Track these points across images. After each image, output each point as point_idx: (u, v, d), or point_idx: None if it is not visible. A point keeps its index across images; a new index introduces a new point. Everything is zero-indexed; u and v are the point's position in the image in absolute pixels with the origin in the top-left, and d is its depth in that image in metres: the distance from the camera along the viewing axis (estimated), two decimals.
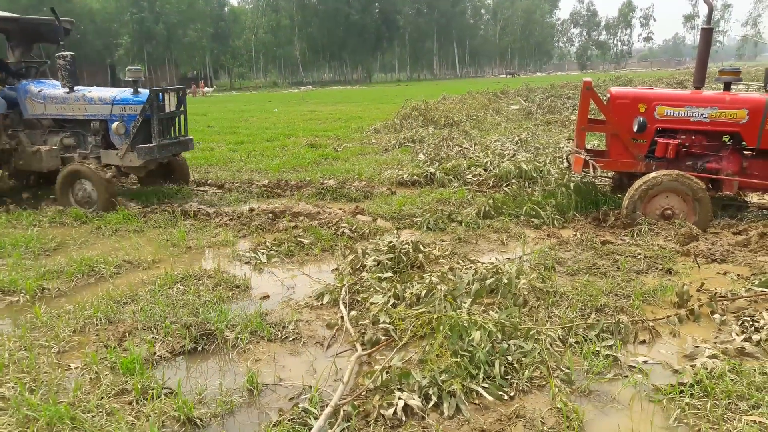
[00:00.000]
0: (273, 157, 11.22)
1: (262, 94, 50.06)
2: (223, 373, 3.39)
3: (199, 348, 3.64)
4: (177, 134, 7.74)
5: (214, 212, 6.98)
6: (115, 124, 7.26)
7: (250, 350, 3.63)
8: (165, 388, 3.13)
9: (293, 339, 3.75)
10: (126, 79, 7.65)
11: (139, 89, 7.47)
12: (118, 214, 6.76)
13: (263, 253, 5.38)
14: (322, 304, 4.26)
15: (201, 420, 2.90)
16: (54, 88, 7.79)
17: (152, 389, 3.08)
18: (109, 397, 3.06)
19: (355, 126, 16.61)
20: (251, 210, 6.91)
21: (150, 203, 7.44)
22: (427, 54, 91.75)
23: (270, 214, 6.65)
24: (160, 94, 7.27)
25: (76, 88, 7.57)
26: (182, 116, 7.74)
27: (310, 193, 8.01)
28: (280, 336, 3.78)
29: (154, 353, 3.52)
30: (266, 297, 4.46)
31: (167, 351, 3.56)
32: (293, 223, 6.27)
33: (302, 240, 5.65)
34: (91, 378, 3.27)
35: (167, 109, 7.37)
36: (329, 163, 10.52)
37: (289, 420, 2.80)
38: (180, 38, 69.19)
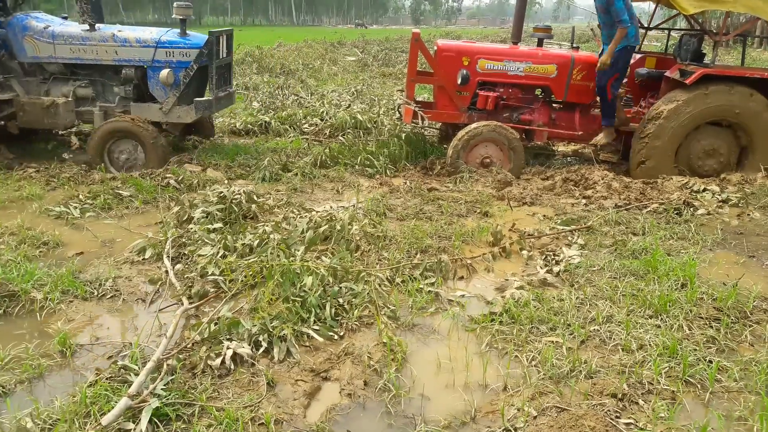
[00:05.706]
0: None
1: None
2: (30, 337, 3.08)
3: (1, 311, 3.26)
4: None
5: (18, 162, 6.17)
6: (164, 72, 5.93)
7: (61, 310, 3.34)
8: None
9: (111, 296, 3.51)
10: (174, 16, 6.13)
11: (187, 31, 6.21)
12: None
13: (76, 207, 4.89)
14: (144, 259, 4.00)
15: (3, 387, 2.64)
16: (64, 24, 6.22)
17: None
18: None
19: None
20: (62, 160, 6.22)
21: None
22: None
23: (84, 165, 6.04)
24: (218, 37, 6.11)
25: (97, 25, 6.10)
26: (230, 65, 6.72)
27: None
28: (96, 294, 3.51)
29: None
30: (80, 254, 4.08)
31: None
32: (110, 175, 5.77)
33: (121, 192, 5.23)
34: None
35: (221, 56, 6.25)
36: None
37: (107, 379, 2.62)
38: None
